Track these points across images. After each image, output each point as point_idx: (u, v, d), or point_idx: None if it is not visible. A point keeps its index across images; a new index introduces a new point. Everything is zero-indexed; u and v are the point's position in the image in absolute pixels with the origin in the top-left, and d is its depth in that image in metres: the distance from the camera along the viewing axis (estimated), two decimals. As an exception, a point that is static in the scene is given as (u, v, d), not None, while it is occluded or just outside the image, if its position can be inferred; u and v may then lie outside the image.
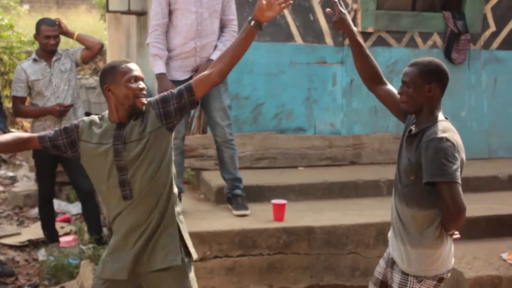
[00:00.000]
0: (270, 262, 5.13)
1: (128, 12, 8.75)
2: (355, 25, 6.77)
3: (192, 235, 4.90)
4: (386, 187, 6.19)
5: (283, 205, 5.30)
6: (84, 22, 16.67)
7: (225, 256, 5.05)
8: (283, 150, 6.62)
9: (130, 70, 3.31)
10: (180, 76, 5.34)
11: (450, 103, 7.23)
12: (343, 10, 3.61)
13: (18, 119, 11.74)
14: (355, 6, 6.86)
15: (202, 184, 6.19)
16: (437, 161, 3.16)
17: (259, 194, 5.86)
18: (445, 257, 3.39)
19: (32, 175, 8.82)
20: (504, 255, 4.96)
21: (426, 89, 3.33)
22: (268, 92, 6.74)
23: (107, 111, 3.43)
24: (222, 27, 5.41)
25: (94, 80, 8.82)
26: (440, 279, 3.42)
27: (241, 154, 6.43)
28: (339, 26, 3.64)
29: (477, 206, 5.79)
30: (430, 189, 3.25)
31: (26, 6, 17.73)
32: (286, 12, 6.69)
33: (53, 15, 16.86)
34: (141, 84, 3.32)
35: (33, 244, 6.77)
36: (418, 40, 7.12)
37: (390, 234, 3.61)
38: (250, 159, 6.49)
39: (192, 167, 6.32)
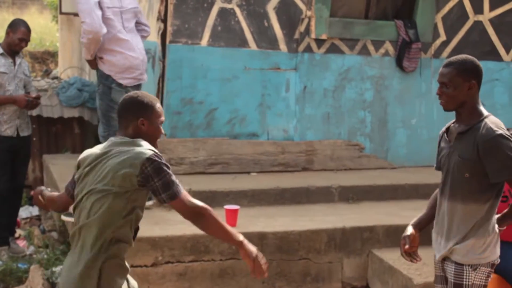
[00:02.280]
0: (222, 267, 5.14)
1: (81, 14, 8.66)
2: (309, 32, 6.87)
3: (144, 240, 4.90)
4: (338, 194, 6.25)
5: (235, 211, 5.31)
6: (35, 23, 16.42)
7: (177, 261, 5.03)
8: (236, 156, 6.63)
9: (162, 114, 3.33)
10: None
11: (401, 111, 7.35)
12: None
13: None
14: (309, 13, 6.91)
15: (155, 188, 6.15)
16: (504, 158, 3.29)
17: (211, 199, 5.84)
18: (495, 243, 3.50)
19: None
20: (452, 261, 5.05)
21: (466, 87, 3.40)
22: (222, 98, 6.74)
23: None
24: None
25: (45, 82, 8.70)
26: (492, 265, 3.53)
27: (194, 159, 6.42)
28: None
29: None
30: (489, 185, 3.37)
31: (-25, 5, 17.42)
32: (240, 17, 6.71)
33: (3, 14, 16.63)
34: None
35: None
36: (371, 48, 7.21)
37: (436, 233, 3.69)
38: (203, 164, 6.48)
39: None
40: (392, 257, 5.18)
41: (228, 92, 6.76)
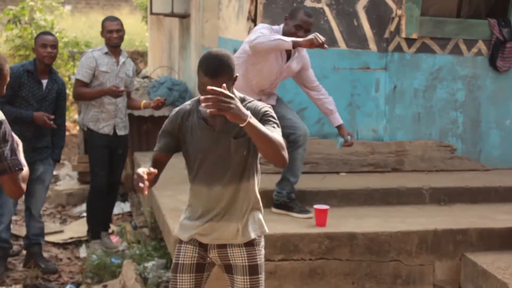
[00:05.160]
0: (312, 267, 5.14)
1: (171, 15, 8.83)
2: (399, 31, 6.79)
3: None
4: (429, 195, 6.15)
5: (325, 211, 5.30)
6: (125, 24, 16.80)
7: (267, 260, 5.04)
8: (325, 155, 6.62)
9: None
10: None
11: (495, 111, 7.17)
12: None
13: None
14: (399, 12, 6.83)
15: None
16: None
17: (301, 198, 5.85)
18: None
19: (75, 174, 8.94)
20: (550, 267, 4.91)
21: None
22: (311, 97, 6.73)
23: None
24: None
25: (136, 82, 8.89)
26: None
27: (283, 158, 6.44)
28: None
29: (521, 216, 5.75)
30: None
31: (68, 7, 17.94)
32: (330, 17, 6.69)
33: (95, 15, 17.07)
34: None
35: (76, 242, 6.87)
36: (463, 47, 7.07)
37: (201, 224, 3.50)
38: (291, 163, 6.49)
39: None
40: (486, 261, 5.07)
41: (317, 92, 6.74)
